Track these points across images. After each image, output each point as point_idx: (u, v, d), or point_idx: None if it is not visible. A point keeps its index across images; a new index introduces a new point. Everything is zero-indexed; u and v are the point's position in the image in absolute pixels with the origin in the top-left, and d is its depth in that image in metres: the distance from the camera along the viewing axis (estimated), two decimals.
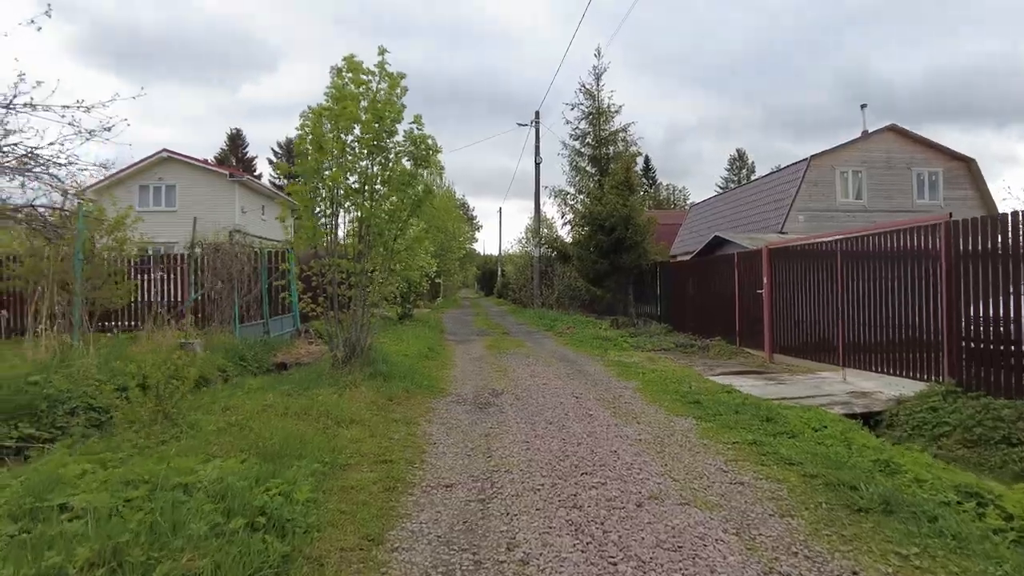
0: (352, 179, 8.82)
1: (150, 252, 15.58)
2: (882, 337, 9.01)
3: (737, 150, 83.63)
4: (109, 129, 8.27)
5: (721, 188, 77.18)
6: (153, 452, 4.40)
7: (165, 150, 31.34)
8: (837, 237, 10.41)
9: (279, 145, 68.95)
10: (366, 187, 8.78)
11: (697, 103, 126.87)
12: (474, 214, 73.80)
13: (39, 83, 7.81)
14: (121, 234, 11.27)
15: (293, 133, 9.40)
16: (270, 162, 68.69)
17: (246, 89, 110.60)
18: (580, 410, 7.01)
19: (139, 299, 15.44)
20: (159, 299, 14.46)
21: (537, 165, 28.33)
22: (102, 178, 31.85)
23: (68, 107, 7.99)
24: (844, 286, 9.91)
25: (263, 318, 13.47)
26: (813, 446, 5.41)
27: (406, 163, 9.08)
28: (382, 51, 8.77)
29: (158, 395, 5.29)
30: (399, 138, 8.94)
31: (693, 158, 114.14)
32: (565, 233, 29.39)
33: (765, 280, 12.37)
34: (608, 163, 27.85)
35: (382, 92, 8.73)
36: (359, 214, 8.89)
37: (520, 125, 29.31)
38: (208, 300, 11.96)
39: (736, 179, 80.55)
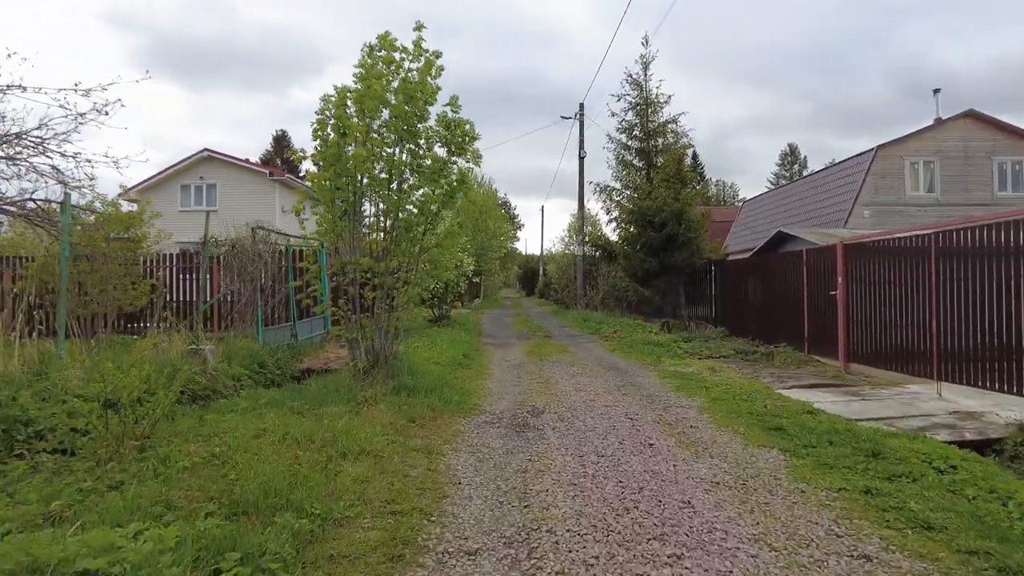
0: (378, 167, 7.85)
1: (175, 251, 14.98)
2: (990, 346, 7.57)
3: (789, 145, 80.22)
4: (106, 113, 7.48)
5: (772, 184, 74.27)
6: (95, 503, 3.45)
7: (206, 149, 31.27)
8: (932, 231, 8.94)
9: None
10: (393, 176, 7.79)
11: (742, 99, 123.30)
12: (515, 212, 72.86)
13: (24, 59, 7.05)
14: (139, 231, 10.59)
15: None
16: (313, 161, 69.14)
17: (294, 94, 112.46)
18: (638, 437, 5.83)
19: (174, 299, 14.92)
20: (173, 300, 13.88)
21: (581, 159, 27.11)
22: (145, 178, 32.10)
23: (63, 90, 7.24)
24: (939, 286, 8.47)
25: (291, 321, 12.69)
26: (949, 498, 4.14)
27: (439, 150, 8.07)
28: (419, 27, 7.76)
29: (122, 419, 4.36)
30: (431, 123, 7.93)
31: (739, 155, 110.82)
32: (610, 231, 28.13)
33: (840, 280, 10.93)
34: (656, 156, 26.44)
35: (414, 72, 7.72)
36: (383, 206, 7.91)
37: (564, 118, 28.17)
38: (228, 302, 11.21)
39: (788, 175, 77.47)
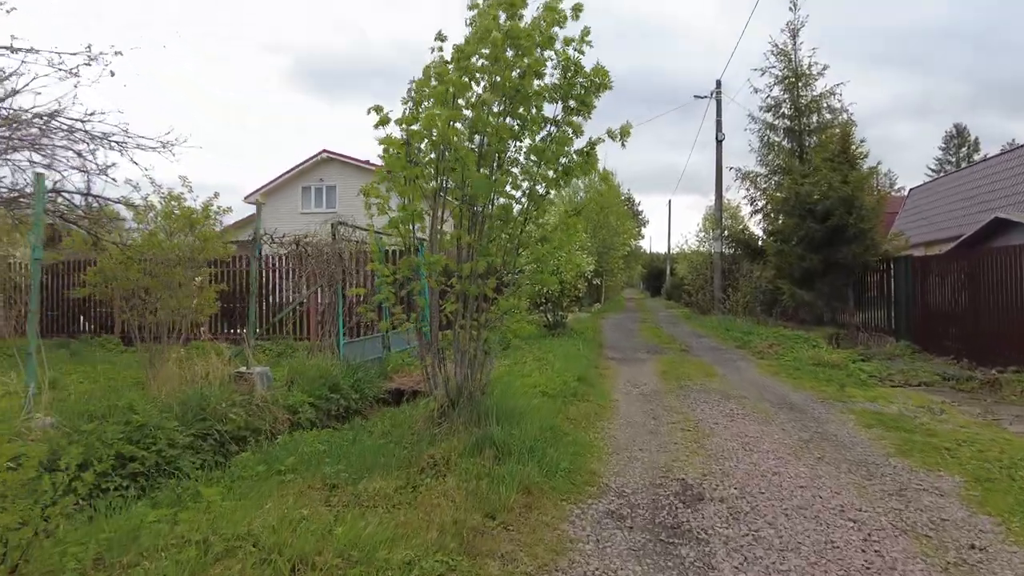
0: (475, 142, 5.76)
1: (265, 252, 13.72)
2: None
3: (955, 126, 69.64)
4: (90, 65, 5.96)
5: (934, 170, 65.10)
6: None
7: (325, 151, 31.19)
8: None
9: None
10: (491, 146, 5.64)
11: (883, 83, 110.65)
12: (640, 209, 69.18)
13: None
14: (205, 229, 9.24)
15: None
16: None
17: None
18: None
19: (271, 304, 13.87)
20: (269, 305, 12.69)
21: (719, 143, 23.76)
22: (267, 182, 32.65)
23: (60, 52, 5.78)
24: None
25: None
26: None
27: (548, 110, 5.82)
28: None
29: None
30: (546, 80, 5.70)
31: (884, 142, 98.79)
32: (754, 224, 24.56)
33: None
34: (809, 136, 22.59)
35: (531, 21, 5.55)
36: (471, 189, 5.77)
37: (698, 97, 24.92)
38: (304, 310, 9.66)
39: (954, 159, 67.67)
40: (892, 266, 15.13)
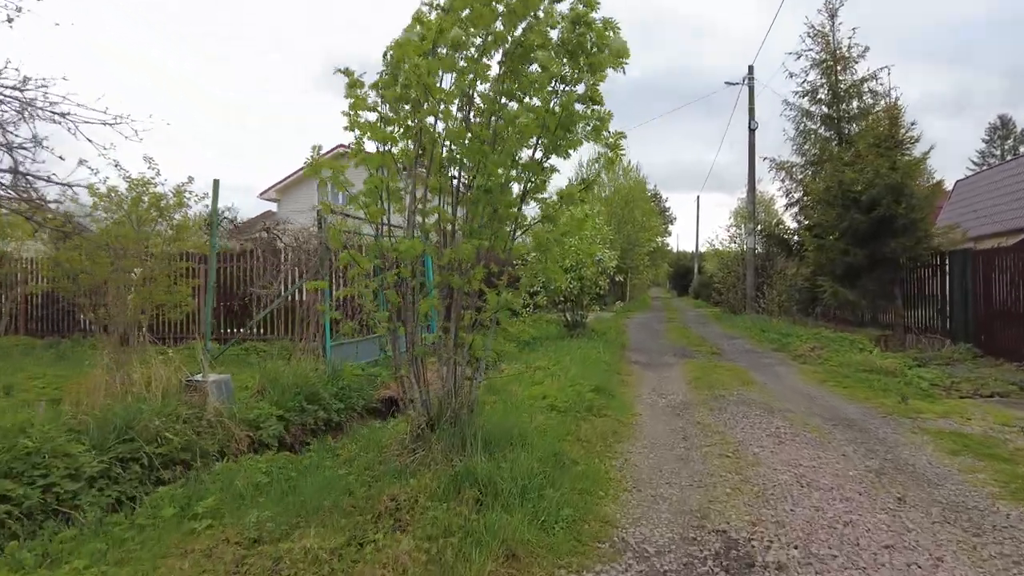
0: (456, 104, 4.67)
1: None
2: None
3: (1000, 117, 66.53)
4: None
5: (976, 163, 62.28)
6: None
7: (341, 145, 30.30)
8: None
9: None
10: (486, 109, 4.57)
11: (917, 77, 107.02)
12: (667, 205, 67.48)
13: None
14: (179, 219, 8.31)
15: None
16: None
17: None
18: None
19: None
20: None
21: (751, 132, 22.34)
22: (283, 177, 31.96)
23: None
24: None
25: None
26: None
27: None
28: None
29: None
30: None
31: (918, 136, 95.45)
32: (789, 217, 23.09)
33: None
34: (849, 124, 21.07)
35: None
36: (454, 149, 4.68)
37: (729, 84, 23.49)
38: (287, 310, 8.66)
39: (999, 151, 64.72)
40: (947, 261, 13.65)
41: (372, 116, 4.59)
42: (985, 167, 46.61)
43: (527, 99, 4.67)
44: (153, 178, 7.87)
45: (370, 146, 4.64)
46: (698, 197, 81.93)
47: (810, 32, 21.26)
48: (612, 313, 26.07)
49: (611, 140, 4.73)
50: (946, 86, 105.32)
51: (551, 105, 4.44)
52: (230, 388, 5.99)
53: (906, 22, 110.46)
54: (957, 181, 29.45)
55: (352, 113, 4.45)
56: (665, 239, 60.87)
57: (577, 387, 7.48)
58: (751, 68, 22.78)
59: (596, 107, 4.64)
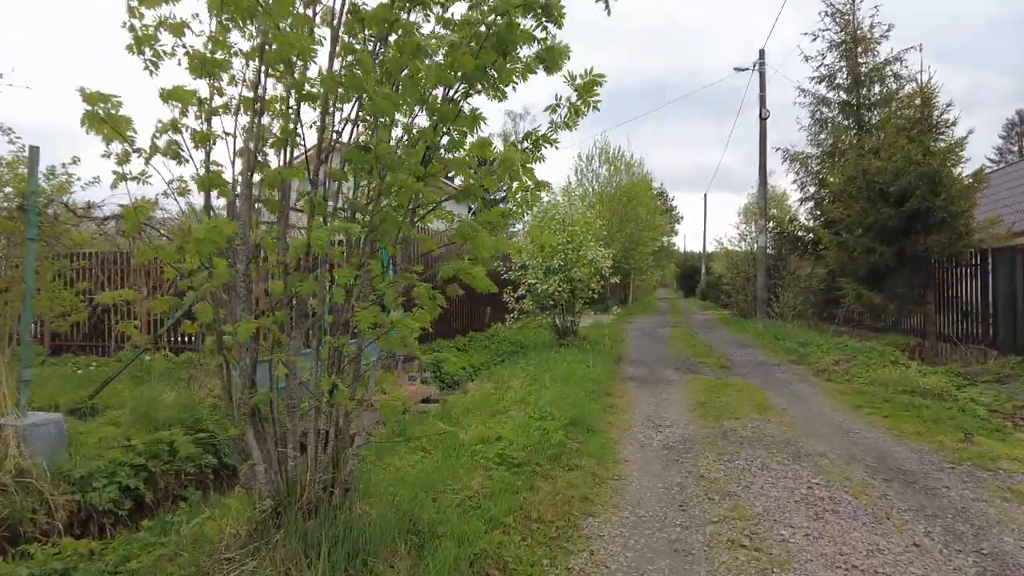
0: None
1: None
2: None
3: (1017, 113, 64.44)
4: None
5: (993, 160, 60.19)
6: None
7: None
8: None
9: None
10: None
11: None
12: (673, 204, 65.66)
13: None
14: (57, 208, 6.72)
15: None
16: None
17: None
18: None
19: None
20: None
21: (763, 120, 20.61)
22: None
23: None
24: None
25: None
26: None
27: None
28: None
29: None
30: None
31: None
32: (804, 213, 21.37)
33: None
34: (870, 111, 19.34)
35: None
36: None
37: (738, 70, 21.74)
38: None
39: (1017, 148, 62.65)
40: (992, 259, 11.94)
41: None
42: (1003, 165, 44.62)
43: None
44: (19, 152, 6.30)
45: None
46: (705, 195, 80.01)
47: (828, 10, 19.56)
48: (613, 317, 24.39)
49: (580, 82, 3.10)
50: (954, 85, 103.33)
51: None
52: (62, 432, 4.38)
53: (912, 19, 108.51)
54: (986, 173, 27.62)
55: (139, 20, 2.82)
56: (672, 239, 59.10)
57: (547, 421, 5.83)
58: (762, 52, 21.06)
59: (550, 25, 3.01)
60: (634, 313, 27.02)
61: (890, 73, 18.91)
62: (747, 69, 21.48)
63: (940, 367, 10.64)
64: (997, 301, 11.80)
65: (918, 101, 13.11)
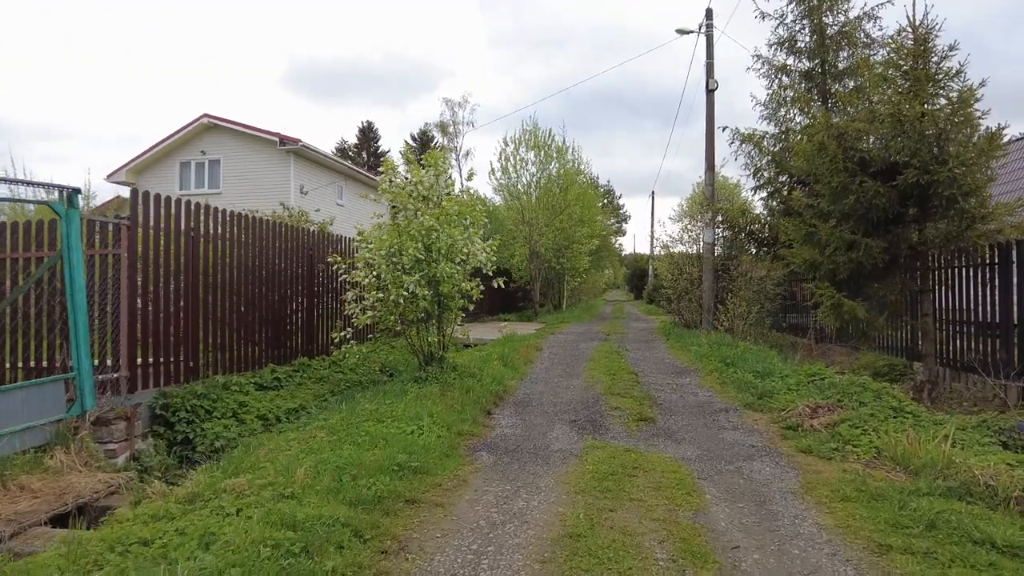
0: None
1: None
2: None
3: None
4: None
5: None
6: None
7: (206, 115, 24.26)
8: None
9: (412, 137, 62.12)
10: None
11: None
12: (621, 202, 62.65)
13: None
14: None
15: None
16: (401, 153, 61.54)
17: (412, 106, 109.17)
18: None
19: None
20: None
21: (710, 93, 17.17)
22: (136, 155, 25.62)
23: None
24: None
25: None
26: None
27: None
28: None
29: None
30: None
31: None
32: (758, 202, 18.08)
33: None
34: (837, 81, 16.11)
35: None
36: None
37: (681, 32, 18.27)
38: None
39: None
40: (1017, 255, 8.59)
41: None
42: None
43: None
44: None
45: None
46: (652, 193, 77.02)
47: None
48: (539, 325, 20.62)
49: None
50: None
51: None
52: None
53: None
54: None
55: None
56: (619, 239, 56.08)
57: None
58: (709, 12, 17.61)
59: None
60: (566, 320, 23.29)
61: (862, 36, 15.73)
62: (692, 32, 18.02)
63: (946, 410, 7.18)
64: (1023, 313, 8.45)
65: (909, 42, 9.67)
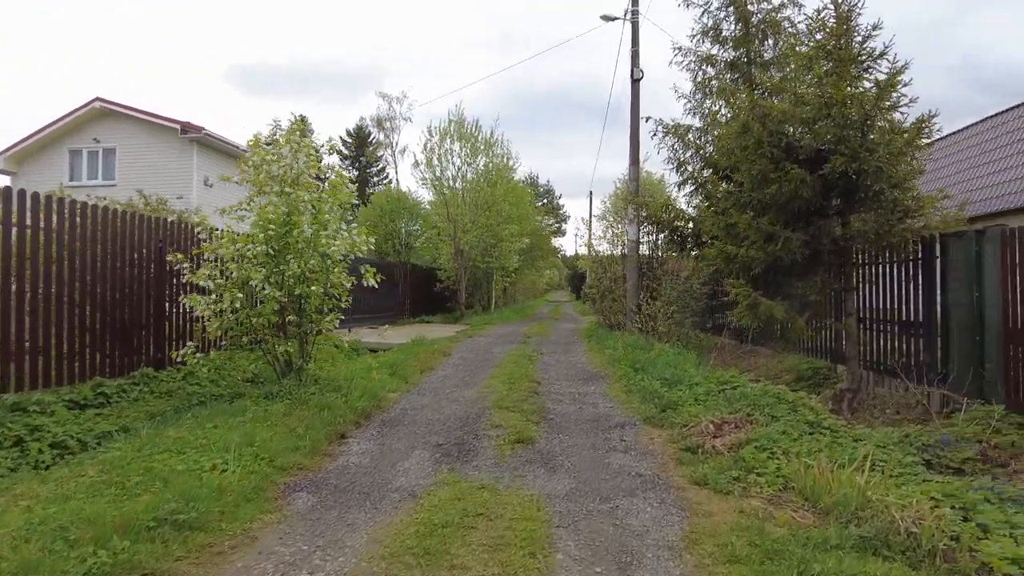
0: None
1: None
2: None
3: None
4: None
5: None
6: None
7: (98, 99, 22.06)
8: None
9: (348, 133, 59.57)
10: None
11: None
12: (561, 203, 62.08)
13: None
14: None
15: None
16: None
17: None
18: None
19: None
20: None
21: (635, 83, 16.35)
22: (18, 140, 23.17)
23: None
24: None
25: None
26: None
27: None
28: None
29: None
30: None
31: None
32: (682, 198, 17.32)
33: None
34: (763, 70, 15.51)
35: None
36: None
37: (606, 19, 17.40)
38: None
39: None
40: (941, 250, 7.90)
41: None
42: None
43: None
44: None
45: None
46: (591, 193, 76.91)
47: None
48: (462, 327, 19.44)
49: None
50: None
51: None
52: None
53: None
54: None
55: None
56: (560, 239, 55.50)
57: None
58: None
59: None
60: (492, 322, 22.17)
61: (788, 24, 15.13)
62: (617, 18, 17.18)
63: (890, 432, 6.34)
64: (948, 314, 7.76)
65: (832, 21, 8.92)
